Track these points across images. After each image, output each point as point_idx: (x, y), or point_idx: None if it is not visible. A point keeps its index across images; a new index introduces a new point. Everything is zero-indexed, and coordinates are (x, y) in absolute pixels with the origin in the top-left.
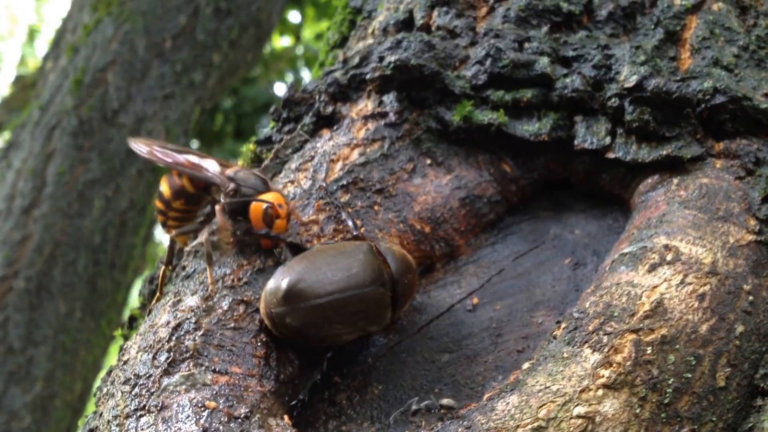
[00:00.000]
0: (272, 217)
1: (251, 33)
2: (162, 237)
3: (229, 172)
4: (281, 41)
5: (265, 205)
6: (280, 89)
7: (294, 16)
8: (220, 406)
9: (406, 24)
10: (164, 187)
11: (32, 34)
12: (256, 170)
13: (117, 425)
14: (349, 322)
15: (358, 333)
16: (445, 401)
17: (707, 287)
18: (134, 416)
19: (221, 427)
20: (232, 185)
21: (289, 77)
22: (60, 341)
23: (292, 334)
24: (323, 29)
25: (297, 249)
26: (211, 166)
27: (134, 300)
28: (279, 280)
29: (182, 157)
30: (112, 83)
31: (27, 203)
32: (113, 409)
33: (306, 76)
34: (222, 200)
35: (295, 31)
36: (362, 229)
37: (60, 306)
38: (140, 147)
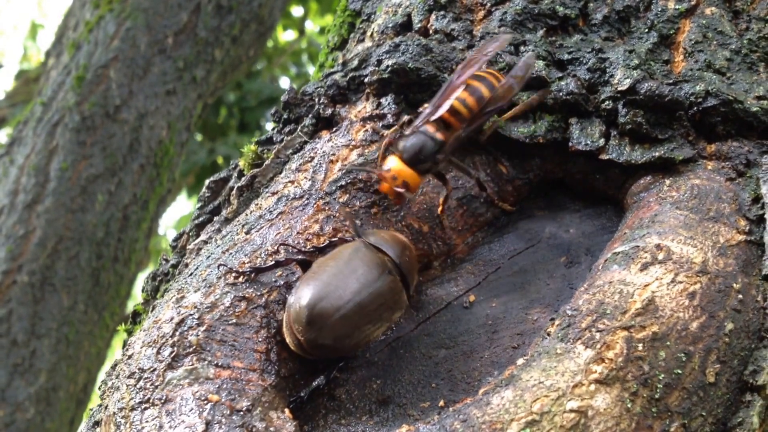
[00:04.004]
0: (379, 180)
1: (253, 29)
2: (165, 231)
3: (425, 128)
4: (285, 35)
5: (384, 167)
6: (284, 83)
7: (297, 10)
8: (223, 400)
9: (405, 27)
10: None
11: (34, 28)
12: (452, 147)
13: (122, 417)
14: (375, 319)
15: (386, 324)
16: None
17: (698, 286)
18: (139, 409)
19: (224, 420)
20: (408, 132)
21: (293, 71)
22: (63, 334)
23: (329, 353)
24: (327, 23)
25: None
26: (442, 109)
27: (137, 293)
28: (297, 308)
29: (460, 80)
30: (114, 80)
31: (30, 199)
32: (118, 402)
33: (310, 70)
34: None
35: (299, 24)
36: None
37: (63, 299)
38: (490, 47)
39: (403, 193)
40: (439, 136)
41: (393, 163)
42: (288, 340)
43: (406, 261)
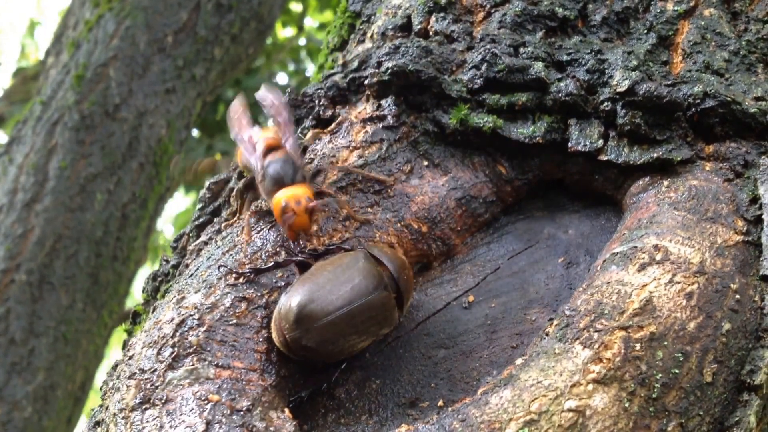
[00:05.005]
0: (288, 214)
1: (252, 27)
2: (163, 228)
3: (269, 159)
4: (284, 31)
5: (282, 203)
6: (282, 79)
7: (296, 6)
8: (223, 400)
9: (404, 29)
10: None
11: (32, 26)
12: (298, 157)
13: (123, 418)
14: (362, 331)
15: (372, 338)
16: None
17: (695, 286)
18: (139, 409)
19: (224, 420)
20: (261, 174)
21: (291, 67)
22: (61, 332)
23: (311, 355)
24: (326, 20)
25: (304, 266)
26: (260, 146)
27: (136, 292)
28: (288, 306)
29: (247, 133)
30: (114, 78)
31: (29, 197)
32: (119, 402)
33: (308, 66)
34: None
35: (298, 21)
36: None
37: (61, 298)
38: (237, 110)
39: (313, 207)
40: (279, 154)
41: (280, 194)
42: (274, 335)
43: (404, 279)
